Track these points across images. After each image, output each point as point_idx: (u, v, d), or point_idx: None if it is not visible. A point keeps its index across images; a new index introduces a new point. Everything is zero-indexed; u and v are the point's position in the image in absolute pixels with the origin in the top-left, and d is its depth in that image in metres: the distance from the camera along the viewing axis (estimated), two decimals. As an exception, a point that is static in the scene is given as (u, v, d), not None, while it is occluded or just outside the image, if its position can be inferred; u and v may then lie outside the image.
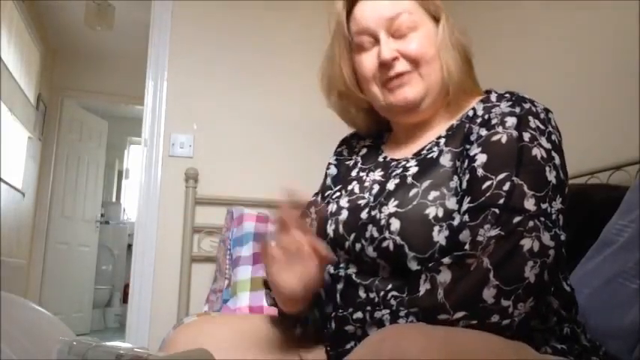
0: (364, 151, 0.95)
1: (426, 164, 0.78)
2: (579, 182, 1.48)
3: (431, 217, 0.71)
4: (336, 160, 0.99)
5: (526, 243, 0.63)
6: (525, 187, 0.66)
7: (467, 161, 0.73)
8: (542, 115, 0.74)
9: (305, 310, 0.80)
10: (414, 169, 0.79)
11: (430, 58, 0.81)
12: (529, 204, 0.66)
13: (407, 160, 0.83)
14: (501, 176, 0.68)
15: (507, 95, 0.78)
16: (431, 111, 0.85)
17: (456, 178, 0.74)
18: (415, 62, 0.81)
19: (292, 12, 2.61)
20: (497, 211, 0.66)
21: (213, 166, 2.41)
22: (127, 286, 5.02)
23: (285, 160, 2.50)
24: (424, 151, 0.82)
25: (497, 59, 2.02)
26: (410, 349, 0.48)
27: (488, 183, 0.68)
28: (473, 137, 0.75)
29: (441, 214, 0.71)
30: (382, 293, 0.71)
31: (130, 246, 4.19)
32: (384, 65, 0.81)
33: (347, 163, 0.96)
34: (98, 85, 4.88)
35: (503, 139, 0.71)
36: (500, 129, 0.72)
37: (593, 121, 1.56)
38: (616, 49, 1.53)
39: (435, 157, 0.78)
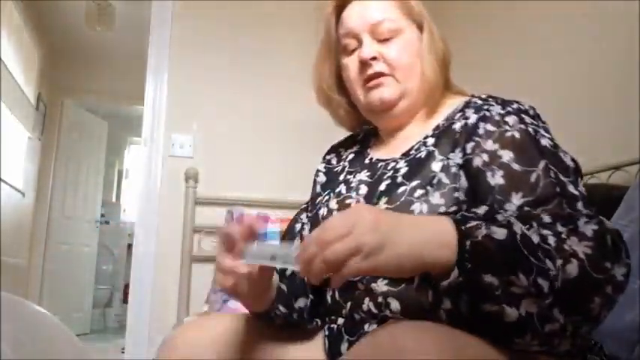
0: (351, 156, 0.99)
1: (415, 164, 0.81)
2: (579, 182, 1.48)
3: (416, 212, 0.74)
4: (325, 167, 1.02)
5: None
6: (561, 176, 0.68)
7: (484, 157, 0.73)
8: (531, 112, 0.78)
9: (268, 308, 0.82)
10: (404, 170, 0.82)
11: (407, 64, 0.86)
12: (572, 189, 0.68)
13: (396, 161, 0.86)
14: (542, 165, 0.69)
15: (492, 99, 0.82)
16: (410, 113, 0.89)
17: (443, 175, 0.76)
18: (392, 66, 0.86)
19: (293, 12, 2.61)
20: (559, 200, 0.66)
21: (213, 166, 2.41)
22: (127, 286, 5.02)
23: (284, 160, 2.50)
24: (412, 151, 0.85)
25: (496, 59, 2.02)
26: (406, 344, 0.50)
27: (534, 175, 0.68)
28: (470, 145, 0.76)
29: (425, 209, 0.74)
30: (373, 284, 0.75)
31: (130, 246, 4.18)
32: (364, 64, 0.86)
33: (335, 170, 0.99)
34: (98, 85, 4.88)
35: (517, 135, 0.73)
36: (506, 127, 0.75)
37: (593, 121, 1.56)
38: (616, 48, 1.53)
39: (422, 156, 0.81)
